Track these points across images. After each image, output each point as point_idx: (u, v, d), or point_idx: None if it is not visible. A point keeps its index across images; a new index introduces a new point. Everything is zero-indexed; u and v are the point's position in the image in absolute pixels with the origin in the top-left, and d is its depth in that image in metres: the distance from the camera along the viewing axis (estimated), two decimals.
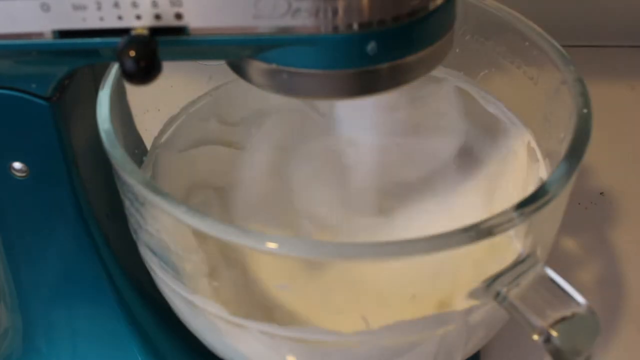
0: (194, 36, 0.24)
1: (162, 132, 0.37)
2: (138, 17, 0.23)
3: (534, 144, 0.35)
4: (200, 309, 0.30)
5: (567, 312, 0.25)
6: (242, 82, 0.26)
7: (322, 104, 0.38)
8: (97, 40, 0.24)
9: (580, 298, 0.25)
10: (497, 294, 0.26)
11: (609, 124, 0.51)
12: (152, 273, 0.32)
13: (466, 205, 0.35)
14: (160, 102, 0.36)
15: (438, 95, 0.38)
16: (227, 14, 0.23)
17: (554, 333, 0.25)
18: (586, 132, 0.29)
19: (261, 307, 0.33)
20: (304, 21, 0.23)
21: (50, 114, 0.29)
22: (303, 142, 0.38)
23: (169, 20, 0.23)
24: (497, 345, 0.41)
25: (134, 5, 0.23)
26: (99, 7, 0.24)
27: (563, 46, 0.32)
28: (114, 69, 0.31)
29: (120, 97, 0.31)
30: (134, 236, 0.31)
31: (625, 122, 0.55)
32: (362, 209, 0.35)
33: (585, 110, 0.29)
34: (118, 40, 0.23)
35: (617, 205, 0.49)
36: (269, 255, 0.30)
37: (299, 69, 0.24)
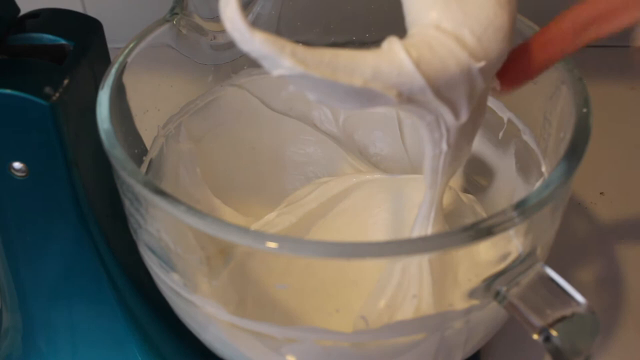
0: None
1: (162, 130, 0.37)
2: None
3: (533, 145, 0.35)
4: (200, 309, 0.30)
5: (567, 312, 0.25)
6: None
7: None
8: None
9: (580, 297, 0.25)
10: (497, 294, 0.26)
11: (609, 124, 0.51)
12: (152, 273, 0.32)
13: None
14: (160, 102, 0.36)
15: None
16: None
17: (553, 332, 0.25)
18: (586, 132, 0.29)
19: (261, 307, 0.33)
20: None
21: (50, 114, 0.29)
22: None
23: None
24: (497, 345, 0.41)
25: None
26: None
27: None
28: (114, 69, 0.31)
29: (120, 97, 0.31)
30: (134, 236, 0.31)
31: (625, 122, 0.55)
32: None
33: (585, 110, 0.29)
34: None
35: (617, 205, 0.49)
36: (268, 255, 0.30)
37: None
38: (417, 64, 0.24)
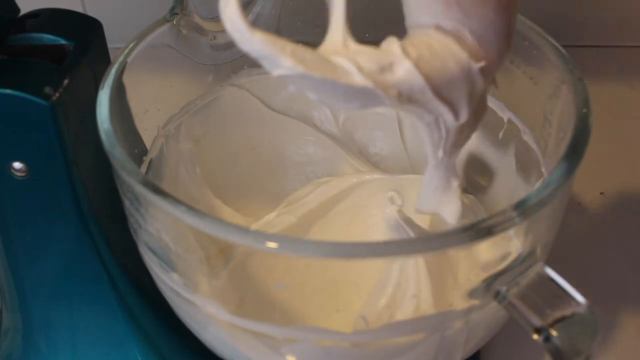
0: None
1: (162, 130, 0.37)
2: None
3: (533, 145, 0.35)
4: (200, 309, 0.30)
5: (566, 312, 0.25)
6: None
7: None
8: None
9: (580, 297, 0.25)
10: (497, 294, 0.26)
11: (609, 124, 0.51)
12: (152, 273, 0.32)
13: None
14: (160, 102, 0.36)
15: None
16: None
17: (553, 332, 0.25)
18: (586, 132, 0.29)
19: (261, 307, 0.33)
20: None
21: (50, 114, 0.29)
22: None
23: None
24: (497, 345, 0.41)
25: None
26: None
27: (563, 46, 0.32)
28: (114, 69, 0.31)
29: (120, 97, 0.31)
30: (134, 236, 0.31)
31: (625, 122, 0.55)
32: None
33: (585, 110, 0.29)
34: None
35: (617, 205, 0.49)
36: (268, 255, 0.30)
37: None
38: (417, 64, 0.24)
